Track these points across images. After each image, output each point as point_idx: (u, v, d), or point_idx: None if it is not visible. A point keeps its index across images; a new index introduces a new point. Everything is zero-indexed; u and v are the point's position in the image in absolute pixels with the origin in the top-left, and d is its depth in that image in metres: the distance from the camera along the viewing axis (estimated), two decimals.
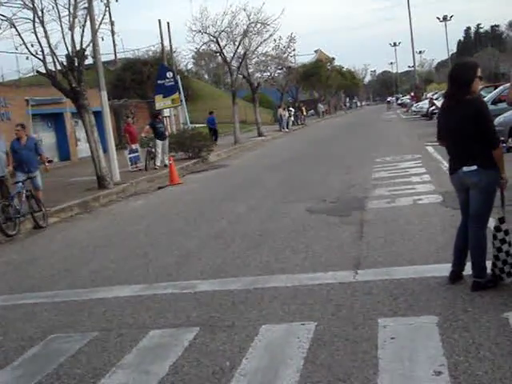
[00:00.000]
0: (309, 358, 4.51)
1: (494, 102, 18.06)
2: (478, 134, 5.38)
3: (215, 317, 5.68)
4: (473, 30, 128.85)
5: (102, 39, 19.21)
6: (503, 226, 5.49)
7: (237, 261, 7.70)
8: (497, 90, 22.09)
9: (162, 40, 37.72)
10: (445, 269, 6.21)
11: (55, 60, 16.58)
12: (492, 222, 5.70)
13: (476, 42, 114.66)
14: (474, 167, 5.40)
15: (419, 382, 3.95)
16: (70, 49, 16.40)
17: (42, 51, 16.23)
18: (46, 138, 31.24)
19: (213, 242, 9.06)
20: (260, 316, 5.55)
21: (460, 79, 5.46)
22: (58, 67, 16.71)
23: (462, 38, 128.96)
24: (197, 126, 34.96)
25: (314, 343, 4.76)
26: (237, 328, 5.31)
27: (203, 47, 37.37)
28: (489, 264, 5.56)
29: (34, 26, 16.06)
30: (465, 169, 5.46)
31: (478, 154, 5.42)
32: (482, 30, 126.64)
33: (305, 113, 62.43)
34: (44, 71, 16.69)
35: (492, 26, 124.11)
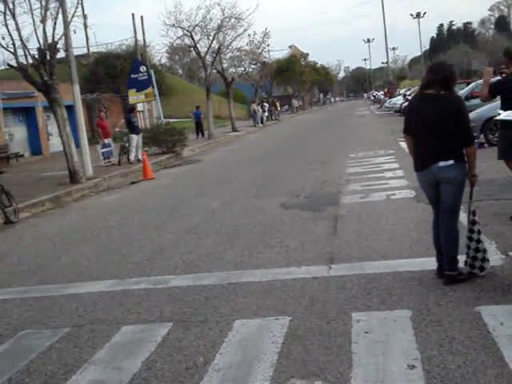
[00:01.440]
0: (283, 352, 4.50)
1: (467, 98, 18.19)
2: (455, 130, 5.41)
3: (188, 312, 5.64)
4: (445, 27, 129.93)
5: (75, 32, 19.22)
6: (476, 218, 5.59)
7: (210, 256, 7.66)
8: (469, 87, 22.32)
9: (135, 34, 37.56)
10: (418, 263, 6.28)
11: (27, 53, 16.35)
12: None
13: (449, 39, 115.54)
14: (451, 162, 5.43)
15: (393, 376, 3.96)
16: (41, 42, 16.17)
17: (14, 44, 15.98)
18: (18, 133, 30.84)
19: (186, 237, 9.00)
20: (234, 311, 5.53)
21: (445, 73, 5.49)
22: (30, 60, 16.47)
23: (434, 35, 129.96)
24: (171, 120, 34.84)
25: (287, 338, 4.75)
26: (210, 323, 5.28)
27: (177, 41, 37.31)
28: (461, 258, 5.61)
29: (5, 18, 15.84)
30: (441, 164, 5.46)
31: (453, 149, 5.46)
32: (454, 28, 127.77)
33: (279, 108, 62.45)
34: (15, 64, 16.44)
35: (464, 24, 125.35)
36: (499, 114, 7.42)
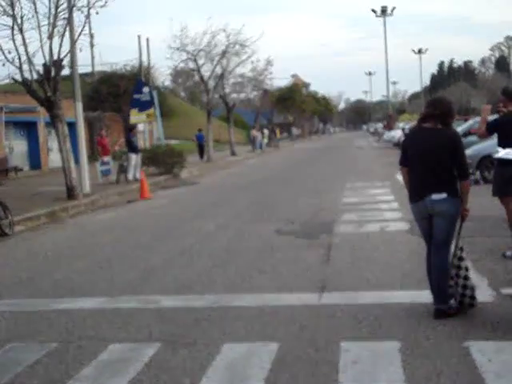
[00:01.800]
0: (270, 379, 4.49)
1: (465, 134, 18.35)
2: (451, 164, 5.49)
3: (177, 333, 5.63)
4: (446, 64, 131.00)
5: (81, 50, 19.18)
6: (464, 254, 5.63)
7: (202, 278, 7.66)
8: (467, 123, 22.51)
9: (140, 55, 37.84)
10: (409, 295, 6.30)
11: (32, 68, 16.46)
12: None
13: (449, 76, 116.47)
14: (444, 195, 5.48)
15: None
16: (47, 58, 16.29)
17: (19, 59, 16.08)
18: (18, 146, 30.96)
19: (179, 258, 9.01)
20: (223, 334, 5.52)
21: (443, 108, 5.57)
22: (35, 76, 16.58)
23: (435, 72, 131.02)
24: (171, 142, 34.98)
25: (275, 364, 4.74)
26: (198, 345, 5.26)
27: (181, 65, 37.51)
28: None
29: (12, 33, 15.94)
30: (434, 196, 5.52)
31: (447, 183, 5.52)
32: (455, 65, 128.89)
33: (278, 135, 62.73)
34: (20, 79, 16.54)
35: (465, 62, 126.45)
36: (498, 152, 7.48)
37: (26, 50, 16.11)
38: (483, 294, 6.08)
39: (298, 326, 5.62)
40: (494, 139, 7.87)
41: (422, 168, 5.63)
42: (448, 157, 5.49)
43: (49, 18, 16.30)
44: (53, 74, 16.28)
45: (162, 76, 78.69)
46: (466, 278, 5.59)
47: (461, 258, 5.62)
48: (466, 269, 5.63)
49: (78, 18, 18.47)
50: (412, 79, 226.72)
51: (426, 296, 5.89)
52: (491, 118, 8.12)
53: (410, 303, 6.03)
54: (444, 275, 5.56)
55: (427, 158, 5.55)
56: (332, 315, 5.85)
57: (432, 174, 5.55)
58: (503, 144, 7.61)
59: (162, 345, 5.33)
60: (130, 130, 23.75)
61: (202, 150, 35.66)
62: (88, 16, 17.94)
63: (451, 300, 5.60)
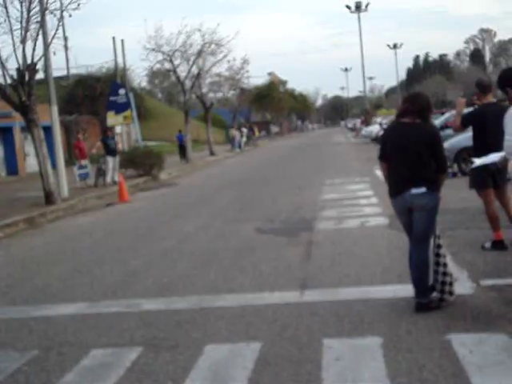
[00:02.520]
0: (253, 378, 4.48)
1: (441, 127, 18.43)
2: (430, 158, 5.54)
3: (159, 336, 5.60)
4: (422, 58, 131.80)
5: (54, 54, 18.92)
6: (441, 241, 5.72)
7: (183, 280, 7.63)
8: (444, 117, 22.61)
9: (115, 57, 37.61)
10: (390, 290, 6.32)
11: (5, 73, 16.29)
12: None
13: (425, 70, 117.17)
14: (423, 189, 5.52)
15: None
16: (20, 62, 16.12)
17: None
18: None
19: (160, 260, 8.96)
20: (205, 336, 5.49)
21: (421, 103, 5.61)
22: (8, 80, 16.40)
23: (411, 66, 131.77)
24: (149, 143, 34.84)
25: (258, 364, 4.73)
26: (181, 348, 5.24)
27: (157, 65, 37.36)
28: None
29: None
30: (413, 191, 5.55)
31: (426, 177, 5.56)
32: (430, 59, 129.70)
33: (257, 134, 62.78)
34: None
35: (440, 55, 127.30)
36: (474, 162, 7.50)
37: None
38: (463, 286, 6.13)
39: (280, 324, 5.62)
40: (470, 132, 7.91)
41: (401, 162, 5.66)
42: (427, 151, 5.53)
43: (21, 21, 16.12)
44: (27, 78, 16.10)
45: (139, 77, 78.34)
46: (445, 265, 5.68)
47: (439, 246, 5.68)
48: (445, 256, 5.74)
49: (51, 21, 18.33)
50: (388, 74, 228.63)
51: (406, 290, 5.92)
52: (466, 111, 8.16)
53: (391, 298, 6.06)
54: (424, 269, 5.58)
55: (406, 152, 5.58)
56: (314, 313, 5.85)
57: (411, 168, 5.58)
58: (477, 136, 7.66)
59: (144, 348, 5.30)
60: (104, 132, 23.60)
61: (182, 150, 35.54)
62: (61, 19, 17.79)
63: (432, 293, 5.63)
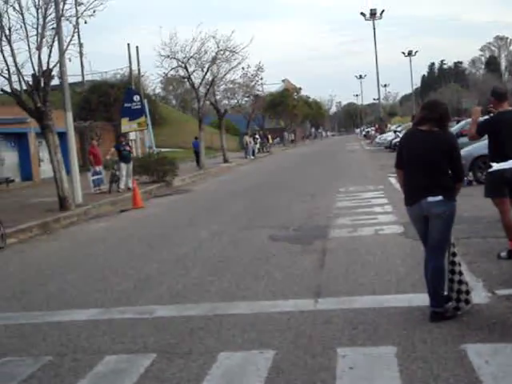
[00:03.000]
0: None
1: (456, 135, 18.36)
2: (447, 167, 5.52)
3: (173, 343, 5.59)
4: (437, 65, 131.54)
5: (70, 60, 19.08)
6: (456, 250, 5.69)
7: (197, 287, 7.62)
8: (459, 125, 22.51)
9: (130, 63, 37.77)
10: (405, 299, 6.28)
11: (21, 79, 16.40)
12: None
13: (440, 78, 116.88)
14: (440, 197, 5.49)
15: None
16: (36, 68, 16.24)
17: (8, 70, 16.03)
18: (9, 158, 30.81)
19: (173, 267, 8.96)
20: (218, 343, 5.48)
21: (440, 111, 5.58)
22: (24, 87, 16.52)
23: (426, 74, 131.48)
24: (162, 150, 34.94)
25: (272, 372, 4.71)
26: (194, 355, 5.23)
27: (171, 72, 37.48)
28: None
29: (0, 44, 15.89)
30: (430, 199, 5.51)
31: (443, 185, 5.53)
32: (445, 66, 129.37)
33: (271, 141, 62.79)
34: (9, 90, 16.49)
35: (455, 63, 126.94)
36: (491, 167, 7.46)
37: (15, 61, 16.07)
38: (479, 295, 6.08)
39: (293, 332, 5.59)
40: (486, 140, 7.86)
41: (417, 170, 5.62)
42: (444, 159, 5.50)
43: (37, 28, 16.27)
44: (42, 84, 16.22)
45: (153, 84, 78.73)
46: (461, 273, 5.64)
47: (454, 254, 5.64)
48: (460, 264, 5.69)
49: (67, 27, 18.51)
50: (403, 81, 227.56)
51: (421, 299, 5.88)
52: (482, 119, 8.11)
53: (405, 307, 6.01)
54: (440, 277, 5.54)
55: (423, 160, 5.54)
56: (328, 321, 5.83)
57: (428, 176, 5.54)
58: (493, 145, 7.61)
59: (158, 355, 5.29)
60: (117, 139, 23.70)
61: (198, 157, 35.63)
62: (76, 25, 17.97)
63: (448, 303, 5.59)
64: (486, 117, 8.08)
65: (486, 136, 7.78)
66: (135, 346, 5.63)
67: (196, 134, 36.57)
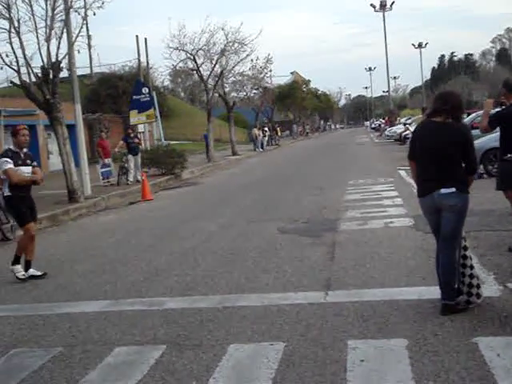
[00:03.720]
0: (277, 379, 4.45)
1: None
2: (460, 159, 5.47)
3: (183, 335, 5.59)
4: (447, 57, 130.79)
5: (78, 52, 19.07)
6: (467, 243, 5.67)
7: (206, 279, 7.62)
8: (470, 117, 22.37)
9: (138, 56, 37.70)
10: (415, 292, 6.25)
11: (30, 71, 16.42)
12: None
13: (450, 70, 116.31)
14: (453, 189, 5.44)
15: None
16: (45, 60, 16.26)
17: (17, 62, 16.07)
18: None
19: (182, 259, 8.96)
20: (228, 335, 5.47)
21: (454, 102, 5.52)
22: (33, 79, 16.54)
23: (436, 66, 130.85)
24: (171, 142, 34.94)
25: (282, 364, 4.69)
26: (204, 347, 5.22)
27: (180, 64, 37.45)
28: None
29: (9, 36, 15.92)
30: (443, 190, 5.46)
31: (456, 177, 5.48)
32: (455, 59, 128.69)
33: (279, 133, 62.69)
34: (18, 82, 16.51)
35: (466, 55, 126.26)
36: (509, 156, 7.39)
37: (24, 53, 16.10)
38: (490, 288, 6.05)
39: (304, 324, 5.58)
40: (497, 132, 7.79)
41: (430, 162, 5.57)
42: (458, 151, 5.45)
43: (46, 20, 16.28)
44: (51, 76, 16.25)
45: (161, 76, 78.81)
46: (472, 266, 5.61)
47: (465, 248, 5.61)
48: (471, 258, 5.68)
49: (76, 19, 18.49)
50: (413, 74, 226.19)
51: (432, 292, 5.86)
52: (494, 111, 8.03)
53: (416, 300, 5.98)
54: (452, 270, 5.51)
55: (437, 152, 5.49)
56: (338, 313, 5.81)
57: (441, 168, 5.49)
58: (505, 137, 7.54)
59: (168, 347, 5.29)
60: (125, 131, 23.72)
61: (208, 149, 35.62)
62: (85, 17, 17.96)
63: (459, 296, 5.55)
64: (498, 109, 8.01)
65: (498, 128, 7.72)
66: (145, 337, 5.63)
67: (205, 127, 36.56)
